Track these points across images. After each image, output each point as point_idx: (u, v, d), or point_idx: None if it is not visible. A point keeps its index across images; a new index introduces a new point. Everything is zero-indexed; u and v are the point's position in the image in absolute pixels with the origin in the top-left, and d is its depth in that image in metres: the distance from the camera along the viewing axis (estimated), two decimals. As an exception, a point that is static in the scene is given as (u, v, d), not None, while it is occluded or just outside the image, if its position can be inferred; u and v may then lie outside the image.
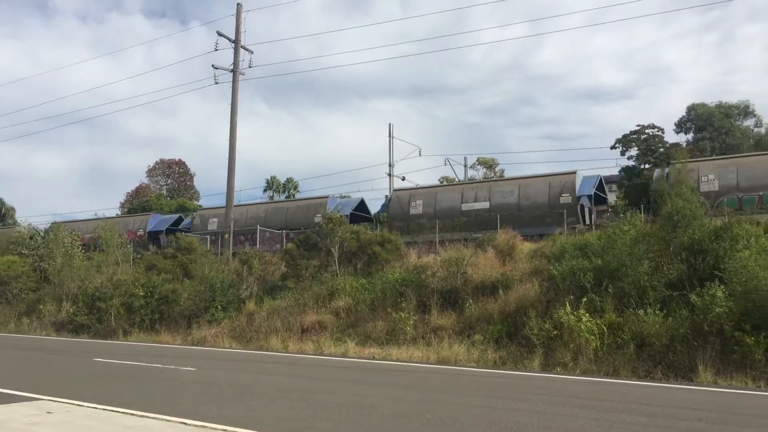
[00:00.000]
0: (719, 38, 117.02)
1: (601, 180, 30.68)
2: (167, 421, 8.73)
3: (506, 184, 31.11)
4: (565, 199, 27.51)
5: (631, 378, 14.56)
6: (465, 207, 29.88)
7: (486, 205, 29.41)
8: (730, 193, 24.68)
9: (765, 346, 14.07)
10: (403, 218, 30.68)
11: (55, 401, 10.22)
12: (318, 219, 32.79)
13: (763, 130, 54.00)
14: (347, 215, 32.99)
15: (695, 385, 13.46)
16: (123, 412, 9.29)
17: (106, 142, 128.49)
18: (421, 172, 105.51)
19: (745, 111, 55.53)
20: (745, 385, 13.40)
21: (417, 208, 31.03)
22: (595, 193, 29.68)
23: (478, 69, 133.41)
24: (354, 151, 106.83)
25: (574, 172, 29.10)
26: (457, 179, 49.75)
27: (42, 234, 37.33)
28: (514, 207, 28.68)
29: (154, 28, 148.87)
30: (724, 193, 24.69)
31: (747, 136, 52.55)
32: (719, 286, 15.38)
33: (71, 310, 28.84)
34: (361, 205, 36.28)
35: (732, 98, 71.38)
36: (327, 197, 36.10)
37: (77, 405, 9.92)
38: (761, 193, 24.19)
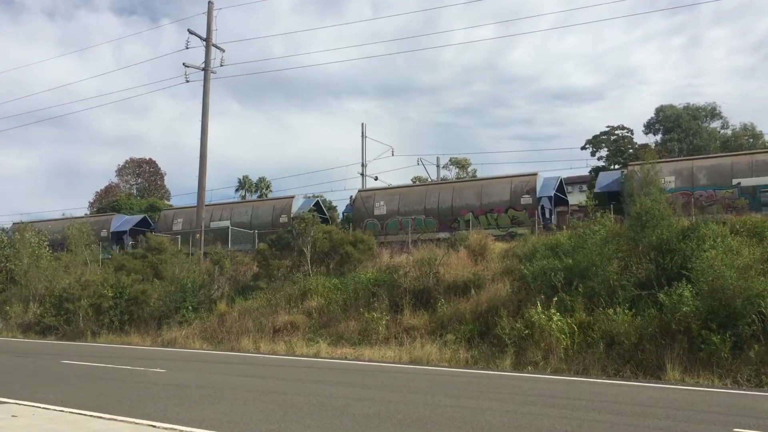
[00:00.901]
0: (686, 41, 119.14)
1: (561, 181, 31.30)
2: (135, 424, 8.62)
3: (469, 185, 31.57)
4: (526, 200, 28.11)
5: (600, 377, 14.72)
6: (429, 206, 30.11)
7: (449, 205, 29.65)
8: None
9: (731, 344, 14.33)
10: (368, 218, 30.70)
11: (20, 404, 10.03)
12: (284, 219, 32.82)
13: (729, 132, 54.97)
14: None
15: (663, 383, 13.65)
16: (90, 415, 9.15)
17: (74, 140, 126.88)
18: (394, 172, 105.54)
19: (712, 113, 56.53)
20: (712, 383, 13.62)
21: (381, 208, 31.22)
22: (555, 194, 30.28)
23: (449, 69, 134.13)
24: (327, 150, 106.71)
25: (535, 174, 29.63)
26: (429, 179, 49.92)
27: (8, 233, 36.60)
28: (476, 207, 29.00)
29: (123, 26, 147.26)
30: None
31: (714, 138, 53.49)
32: (687, 285, 15.62)
33: (38, 311, 28.38)
34: (317, 206, 35.96)
35: (699, 100, 72.62)
36: (293, 197, 36.21)
37: (43, 408, 9.76)
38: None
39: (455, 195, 30.15)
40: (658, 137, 56.22)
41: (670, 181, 25.07)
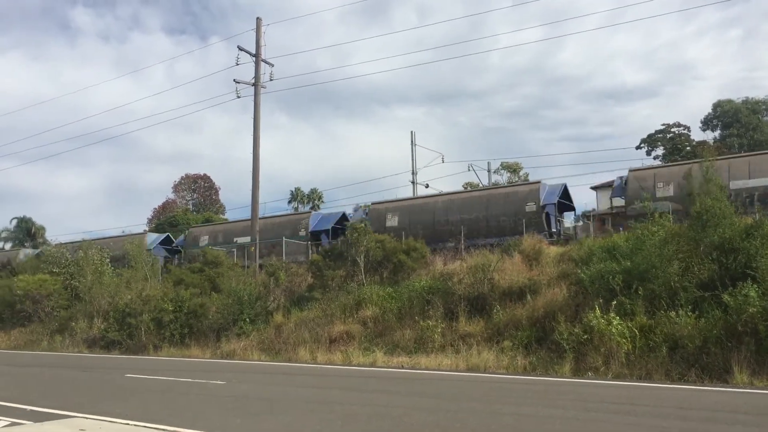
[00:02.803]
0: (743, 33, 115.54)
1: (565, 188, 31.30)
2: (198, 436, 8.76)
3: (475, 195, 31.68)
4: (530, 207, 28.01)
5: (664, 381, 14.32)
6: (437, 219, 30.42)
7: (457, 216, 29.69)
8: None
9: (802, 345, 13.78)
10: (380, 231, 30.62)
11: (88, 418, 10.30)
12: (302, 233, 33.74)
13: (791, 125, 53.06)
14: (328, 229, 34.15)
15: (731, 387, 13.20)
16: (155, 428, 9.34)
17: (130, 159, 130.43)
18: (444, 179, 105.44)
19: (772, 106, 54.67)
20: (783, 386, 13.11)
21: (392, 220, 31.26)
22: (559, 201, 30.16)
23: (496, 73, 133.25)
24: (376, 159, 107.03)
25: (539, 182, 29.74)
26: (481, 185, 49.55)
27: (69, 253, 37.77)
28: (483, 219, 29.10)
29: (174, 45, 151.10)
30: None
31: (775, 131, 51.70)
32: (752, 285, 15.08)
33: (102, 326, 29.17)
34: (343, 218, 35.92)
35: (758, 93, 70.27)
36: (310, 213, 37.25)
37: (109, 421, 10.00)
38: None
39: (463, 207, 30.11)
40: (717, 133, 54.68)
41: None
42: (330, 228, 34.44)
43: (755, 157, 26.17)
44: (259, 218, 36.02)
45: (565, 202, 31.25)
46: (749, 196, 23.45)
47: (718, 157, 26.42)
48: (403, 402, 11.82)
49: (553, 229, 28.94)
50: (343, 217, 35.50)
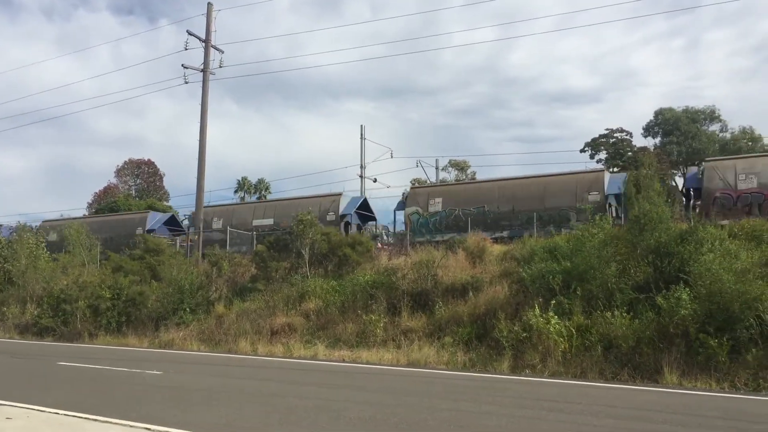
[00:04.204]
0: (686, 43, 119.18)
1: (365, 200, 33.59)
2: (131, 426, 8.58)
3: (530, 182, 30.49)
4: (593, 196, 27.11)
5: (598, 380, 14.70)
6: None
7: (510, 205, 29.07)
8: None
9: (728, 348, 14.29)
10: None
11: (15, 406, 9.99)
12: (331, 217, 32.98)
13: (728, 135, 54.92)
14: (352, 213, 33.60)
15: (661, 387, 13.62)
16: (86, 418, 9.12)
17: (73, 141, 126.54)
18: (393, 174, 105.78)
19: (711, 116, 56.42)
20: (710, 387, 13.60)
21: (436, 205, 30.31)
22: (356, 212, 32.29)
23: (448, 71, 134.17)
24: (326, 151, 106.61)
25: (603, 170, 29.40)
26: (428, 181, 49.89)
27: (5, 234, 36.45)
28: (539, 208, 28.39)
29: (121, 26, 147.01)
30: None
31: (713, 141, 53.41)
32: (684, 288, 15.57)
33: (36, 312, 28.27)
34: (364, 204, 35.70)
35: (699, 103, 72.58)
36: (341, 194, 35.37)
37: (38, 410, 9.72)
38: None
39: (516, 192, 29.07)
40: (657, 140, 56.18)
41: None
42: (353, 213, 33.74)
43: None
44: (279, 200, 36.45)
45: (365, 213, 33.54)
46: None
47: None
48: (342, 395, 11.82)
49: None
50: (365, 203, 35.20)
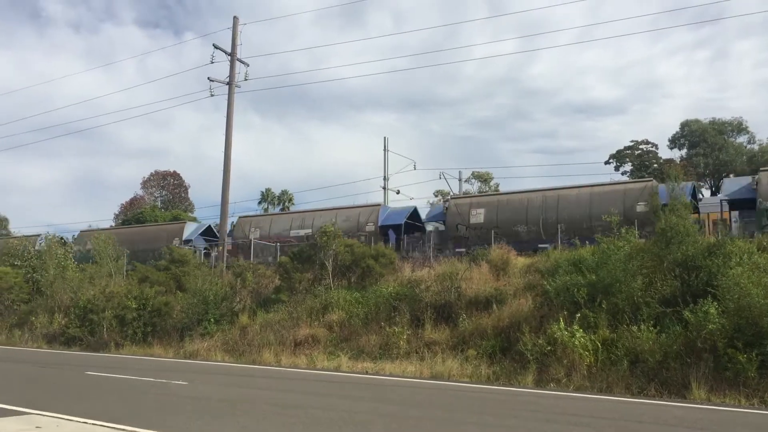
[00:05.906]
0: (712, 54, 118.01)
1: (694, 187, 30.07)
2: (157, 437, 8.66)
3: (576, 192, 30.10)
4: (641, 207, 26.92)
5: (624, 395, 14.52)
6: (530, 216, 29.33)
7: (554, 216, 28.82)
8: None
9: (757, 363, 14.06)
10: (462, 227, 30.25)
11: (44, 416, 10.12)
12: (370, 227, 33.26)
13: (756, 147, 54.25)
14: (400, 224, 33.32)
15: (688, 403, 13.43)
16: (113, 427, 9.21)
17: (99, 153, 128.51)
18: (415, 186, 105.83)
19: (738, 127, 55.83)
20: (738, 403, 13.36)
21: (477, 217, 29.96)
22: (406, 222, 31.92)
23: (471, 82, 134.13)
24: (348, 163, 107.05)
25: (651, 180, 29.29)
26: (451, 193, 49.83)
27: (35, 244, 37.03)
28: (587, 218, 28.13)
29: (147, 39, 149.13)
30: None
31: (740, 153, 52.82)
32: (712, 302, 15.36)
33: (63, 322, 28.64)
34: (415, 213, 35.66)
35: (725, 114, 71.77)
36: (379, 206, 36.18)
37: (67, 419, 9.84)
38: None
39: (560, 204, 28.71)
40: (683, 152, 55.66)
41: None
42: (403, 223, 33.18)
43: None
44: (316, 210, 36.35)
45: (415, 223, 33.03)
46: None
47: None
48: (366, 408, 11.81)
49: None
50: (415, 212, 34.77)
